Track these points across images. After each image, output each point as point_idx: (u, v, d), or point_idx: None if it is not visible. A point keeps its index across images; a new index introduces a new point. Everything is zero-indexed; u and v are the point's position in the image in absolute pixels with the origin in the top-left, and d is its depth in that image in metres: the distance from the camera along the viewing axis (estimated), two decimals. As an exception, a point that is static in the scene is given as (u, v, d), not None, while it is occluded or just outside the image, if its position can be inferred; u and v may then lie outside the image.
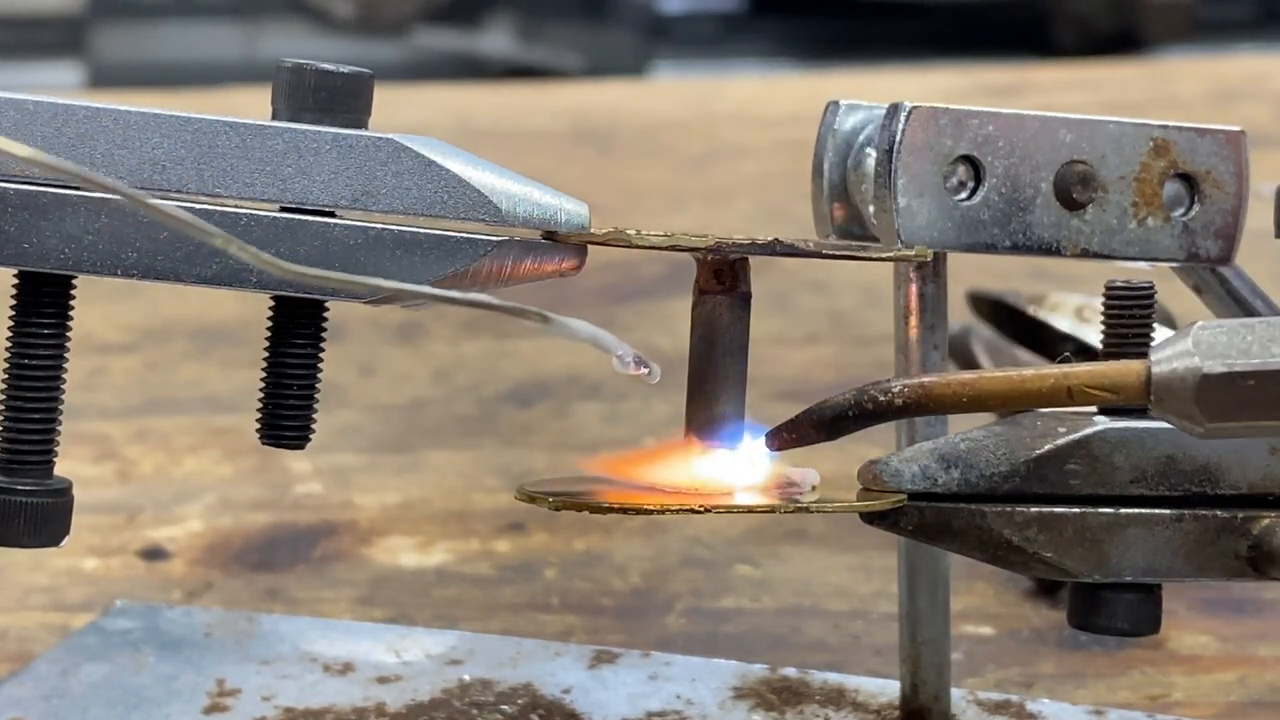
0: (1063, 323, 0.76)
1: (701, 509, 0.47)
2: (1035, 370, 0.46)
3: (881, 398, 0.47)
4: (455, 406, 0.94)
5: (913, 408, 0.47)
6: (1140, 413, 0.49)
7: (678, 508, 0.47)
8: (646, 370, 0.47)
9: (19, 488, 0.47)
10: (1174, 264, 0.54)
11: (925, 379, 0.47)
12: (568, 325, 0.45)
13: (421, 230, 0.47)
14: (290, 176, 0.47)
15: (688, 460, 0.49)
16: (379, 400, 0.95)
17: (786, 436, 0.49)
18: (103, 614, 0.66)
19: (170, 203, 0.45)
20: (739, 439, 0.50)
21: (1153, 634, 0.50)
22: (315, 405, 0.49)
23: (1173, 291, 0.57)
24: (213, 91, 1.55)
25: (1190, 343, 0.44)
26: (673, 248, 0.47)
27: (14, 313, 0.47)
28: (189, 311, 1.07)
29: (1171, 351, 0.44)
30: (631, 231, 0.47)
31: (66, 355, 0.48)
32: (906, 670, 0.57)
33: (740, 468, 0.49)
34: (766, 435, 0.49)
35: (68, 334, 0.48)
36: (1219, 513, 0.49)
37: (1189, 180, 0.53)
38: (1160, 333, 0.49)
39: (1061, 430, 0.48)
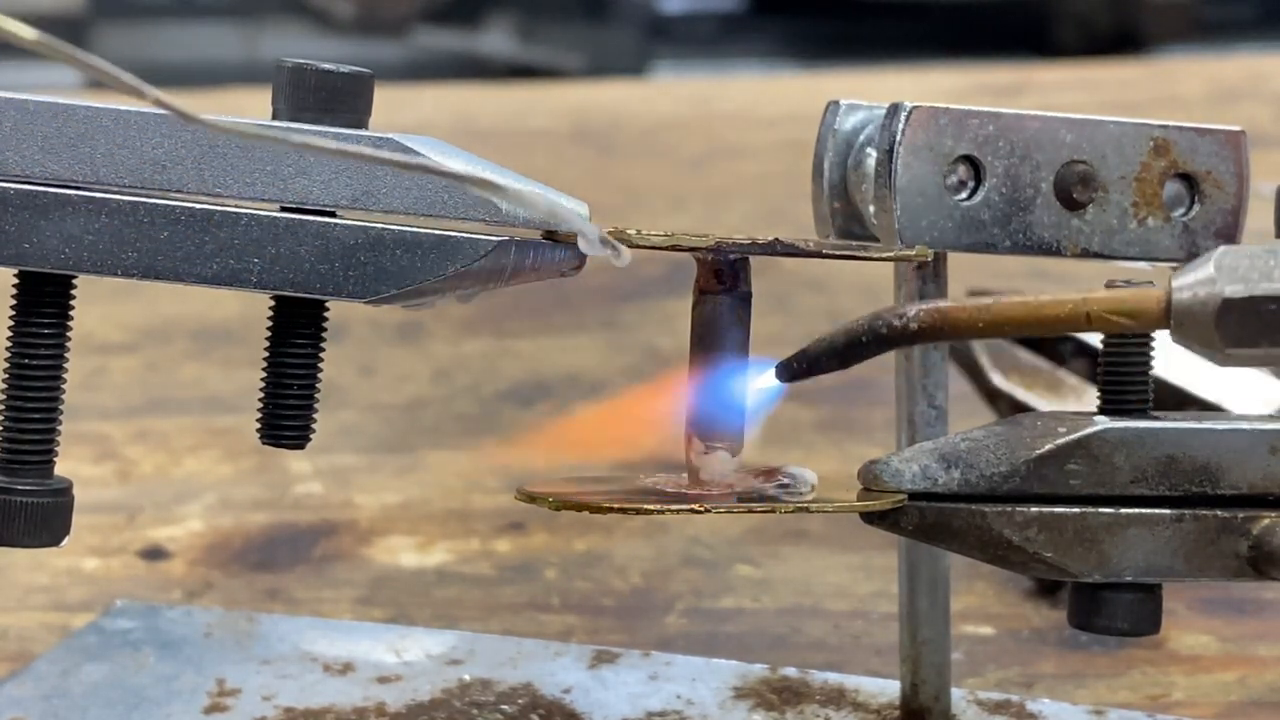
0: (1063, 323, 0.75)
1: (701, 509, 0.47)
2: (1053, 296, 0.45)
3: (896, 322, 0.46)
4: (455, 406, 0.94)
5: (929, 332, 0.46)
6: (1141, 413, 0.49)
7: (678, 508, 0.47)
8: (614, 252, 0.46)
9: (19, 488, 0.47)
10: (1174, 264, 0.54)
11: (941, 304, 0.46)
12: (522, 194, 0.44)
13: (422, 230, 0.47)
14: (290, 176, 0.47)
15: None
16: (379, 400, 0.95)
17: (797, 366, 0.48)
18: (103, 614, 0.66)
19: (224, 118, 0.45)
20: (739, 439, 0.50)
21: (1153, 634, 0.50)
22: (315, 405, 0.49)
23: (1173, 291, 0.57)
24: (213, 91, 1.55)
25: (1212, 267, 0.44)
26: (673, 248, 0.47)
27: (14, 313, 0.47)
28: (189, 311, 1.07)
29: (1193, 277, 0.44)
30: (631, 231, 0.47)
31: (66, 355, 0.48)
32: (906, 670, 0.57)
33: (740, 468, 0.49)
34: (777, 367, 0.48)
35: (68, 334, 0.48)
36: (1219, 513, 0.49)
37: (1189, 180, 0.53)
38: (1160, 332, 0.49)
39: (1061, 430, 0.48)
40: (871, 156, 0.53)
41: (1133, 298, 0.44)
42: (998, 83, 1.69)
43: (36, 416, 0.47)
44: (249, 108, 0.50)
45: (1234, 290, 0.43)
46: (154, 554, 0.77)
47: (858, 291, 1.10)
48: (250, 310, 1.02)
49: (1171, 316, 0.44)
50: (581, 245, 0.46)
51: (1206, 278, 0.43)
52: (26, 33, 0.40)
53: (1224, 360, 0.44)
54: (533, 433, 0.51)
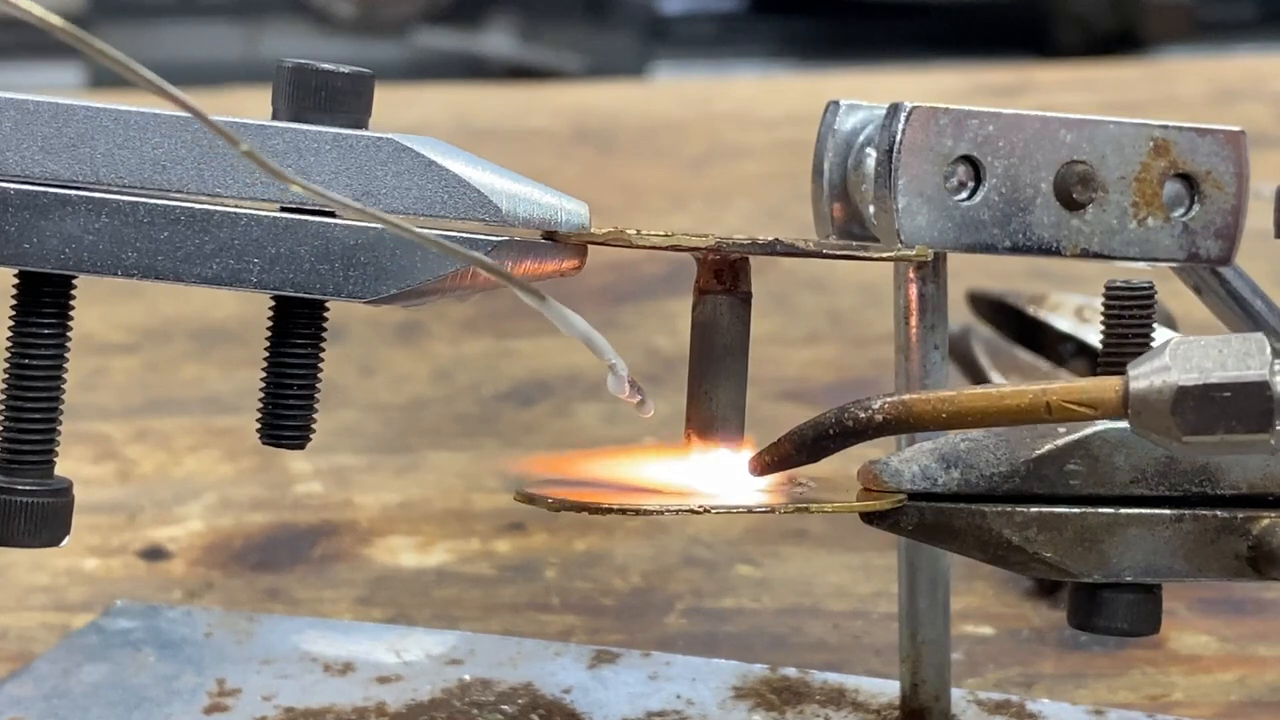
0: (1063, 323, 0.76)
1: (701, 509, 0.47)
2: (1014, 387, 0.46)
3: (862, 415, 0.47)
4: (455, 406, 0.94)
5: (893, 425, 0.47)
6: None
7: (677, 508, 0.47)
8: (640, 399, 0.47)
9: (19, 488, 0.47)
10: (1174, 264, 0.54)
11: (906, 396, 0.47)
12: (564, 315, 0.45)
13: (422, 230, 0.47)
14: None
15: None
16: (379, 400, 0.95)
17: (769, 460, 0.49)
18: (103, 614, 0.66)
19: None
20: (739, 439, 0.50)
21: (1153, 634, 0.50)
22: (315, 405, 0.49)
23: (1173, 291, 0.57)
24: (213, 91, 1.55)
25: (1166, 357, 0.45)
26: (673, 248, 0.47)
27: (14, 313, 0.47)
28: (189, 311, 1.07)
29: (1148, 367, 0.45)
30: (631, 231, 0.47)
31: (66, 355, 0.48)
32: (906, 670, 0.57)
33: (740, 468, 0.49)
34: (749, 461, 0.49)
35: (68, 334, 0.48)
36: (1219, 513, 0.49)
37: (1189, 180, 0.53)
38: (1160, 333, 0.49)
39: (1061, 430, 0.48)
40: (871, 156, 0.53)
41: (1092, 387, 0.45)
42: (998, 83, 1.69)
43: (36, 416, 0.47)
44: (249, 108, 0.50)
45: (1188, 379, 0.44)
46: (154, 554, 0.77)
47: (858, 291, 1.10)
48: (250, 310, 1.02)
49: (1129, 405, 0.45)
50: (610, 385, 0.47)
51: (1161, 366, 0.44)
52: (54, 20, 0.40)
53: (1182, 449, 0.45)
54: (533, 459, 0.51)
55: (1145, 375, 0.45)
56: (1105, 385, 0.45)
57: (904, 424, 0.47)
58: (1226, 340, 0.45)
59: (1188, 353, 0.45)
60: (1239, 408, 0.44)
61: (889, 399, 0.47)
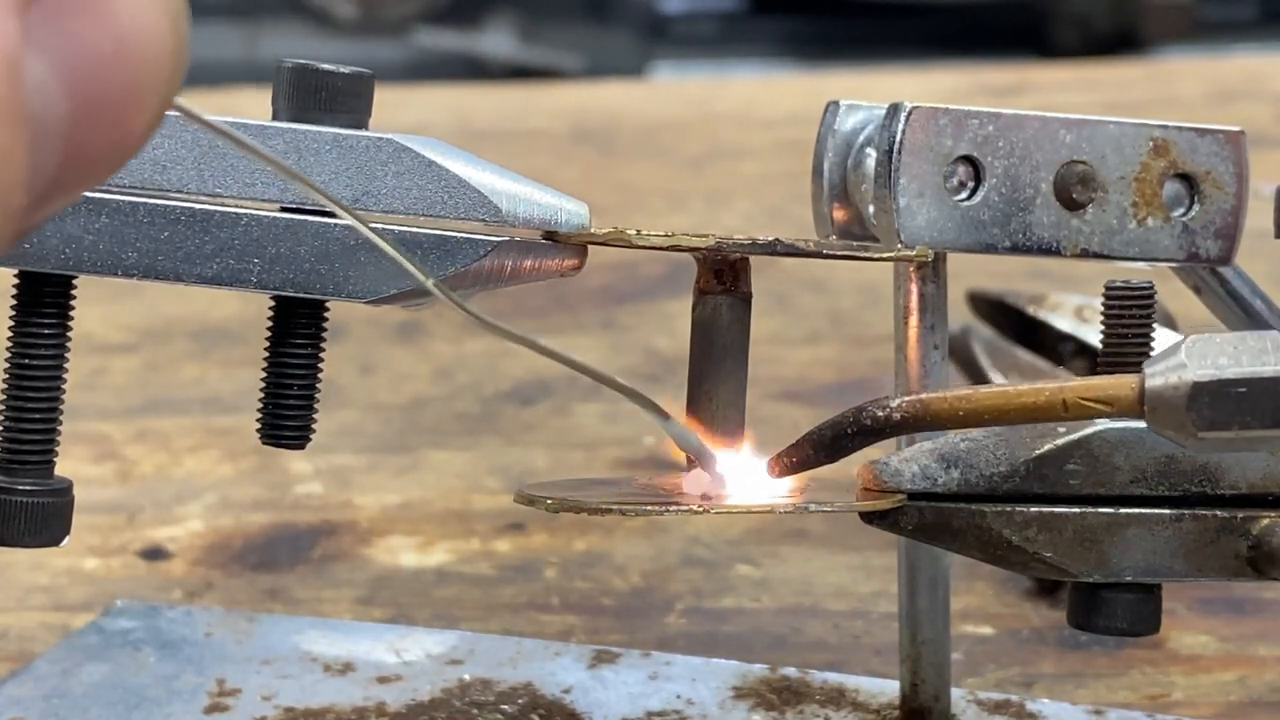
0: (1063, 323, 0.76)
1: (701, 509, 0.47)
2: (1030, 385, 0.46)
3: (880, 414, 0.47)
4: (456, 406, 0.94)
5: (911, 423, 0.47)
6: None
7: (677, 508, 0.47)
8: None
9: (19, 488, 0.47)
10: (1174, 264, 0.54)
11: (923, 395, 0.47)
12: (680, 432, 0.46)
13: (422, 230, 0.47)
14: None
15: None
16: (379, 400, 0.95)
17: (788, 461, 0.49)
18: (103, 614, 0.66)
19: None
20: (739, 439, 0.50)
21: (1153, 634, 0.50)
22: (315, 405, 0.49)
23: (1173, 291, 0.57)
24: (213, 91, 1.55)
25: (1183, 354, 0.45)
26: (673, 248, 0.47)
27: (14, 313, 0.47)
28: (189, 311, 1.07)
29: (1164, 364, 0.45)
30: (631, 231, 0.47)
31: (67, 355, 0.48)
32: (906, 670, 0.57)
33: (739, 468, 0.49)
34: (768, 462, 0.49)
35: (68, 334, 0.48)
36: (1219, 513, 0.49)
37: (1189, 180, 0.53)
38: (1160, 333, 0.49)
39: (1061, 430, 0.48)
40: (871, 157, 0.53)
41: (1108, 384, 0.45)
42: (998, 83, 1.69)
43: (36, 416, 0.47)
44: (249, 108, 0.50)
45: (1203, 374, 0.44)
46: (154, 554, 0.77)
47: (858, 291, 1.10)
48: (250, 310, 1.02)
49: (1145, 402, 0.45)
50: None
51: (1177, 364, 0.44)
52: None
53: (1198, 445, 0.45)
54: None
55: (1161, 372, 0.45)
56: (1121, 382, 0.45)
57: (922, 422, 0.47)
58: (1242, 337, 0.45)
59: (1203, 349, 0.45)
60: (1255, 404, 0.44)
61: (907, 398, 0.47)
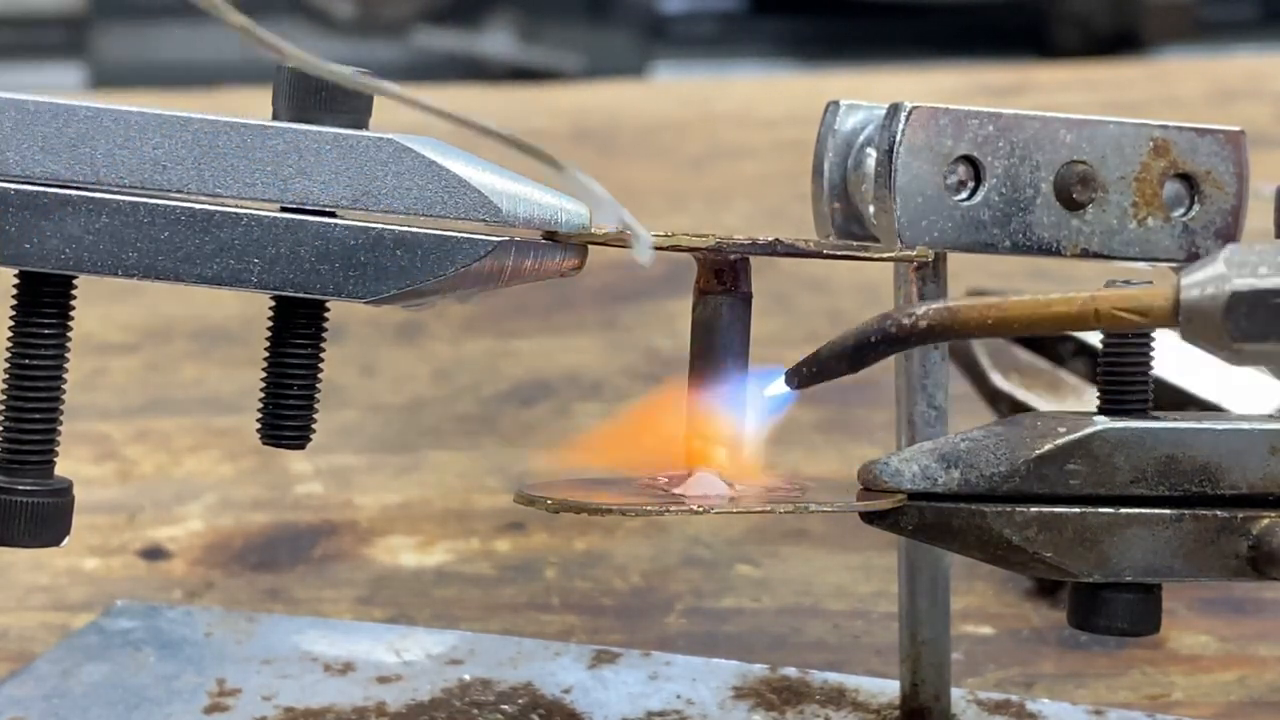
0: (1063, 323, 0.75)
1: (701, 509, 0.47)
2: (1063, 294, 0.45)
3: (906, 321, 0.46)
4: (456, 406, 0.94)
5: (938, 331, 0.46)
6: (1141, 413, 0.49)
7: (677, 508, 0.47)
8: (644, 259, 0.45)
9: (19, 488, 0.47)
10: (1174, 264, 0.54)
11: (950, 303, 0.46)
12: (586, 183, 0.43)
13: (422, 230, 0.47)
14: (291, 176, 0.47)
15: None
16: (379, 400, 0.95)
17: (808, 372, 0.48)
18: (103, 614, 0.66)
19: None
20: (739, 438, 0.50)
21: (1153, 634, 0.50)
22: (315, 405, 0.49)
23: (1173, 291, 0.57)
24: (213, 91, 1.55)
25: (1221, 263, 0.44)
26: (673, 248, 0.47)
27: (14, 313, 0.47)
28: (189, 311, 1.07)
29: (1202, 274, 0.44)
30: (631, 231, 0.47)
31: (67, 355, 0.48)
32: (906, 670, 0.57)
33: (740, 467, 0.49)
34: (787, 373, 0.48)
35: (68, 334, 0.48)
36: (1219, 513, 0.49)
37: (1189, 180, 0.53)
38: (1160, 333, 0.49)
39: (1062, 430, 0.48)
40: (871, 156, 0.53)
41: (1143, 294, 0.44)
42: (998, 83, 1.69)
43: (36, 416, 0.47)
44: (249, 108, 0.50)
45: (1242, 284, 0.43)
46: (154, 554, 0.77)
47: (858, 291, 1.10)
48: (250, 310, 1.02)
49: (1180, 312, 0.44)
50: (638, 255, 0.45)
51: (1216, 274, 0.43)
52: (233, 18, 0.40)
53: (1233, 357, 0.44)
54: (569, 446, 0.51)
55: (1198, 283, 0.44)
56: (1156, 292, 0.44)
57: (949, 330, 0.46)
58: None
59: (1243, 258, 0.44)
60: None
61: (934, 305, 0.46)
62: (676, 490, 0.49)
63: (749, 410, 0.50)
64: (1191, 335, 0.44)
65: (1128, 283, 0.48)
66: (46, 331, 0.47)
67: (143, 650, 0.63)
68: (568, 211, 0.48)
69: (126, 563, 0.76)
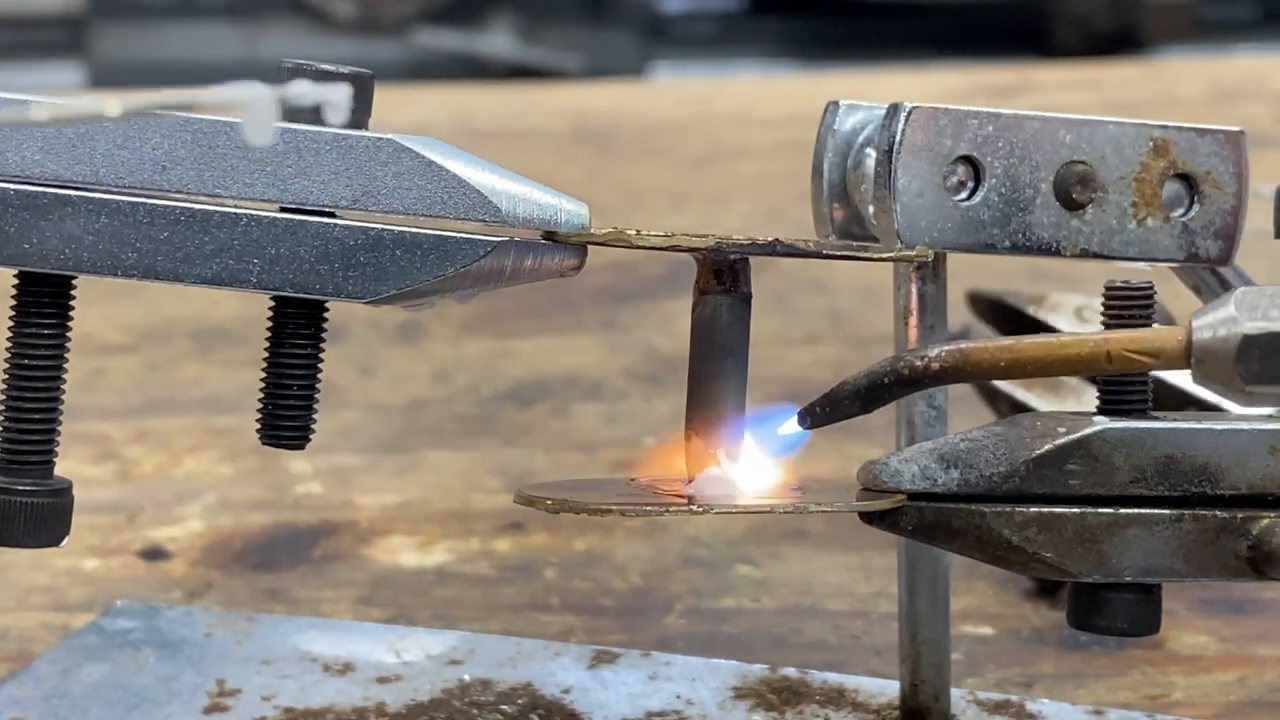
0: (1063, 323, 0.76)
1: (701, 509, 0.47)
2: (1075, 336, 0.46)
3: (919, 363, 0.47)
4: (455, 406, 0.94)
5: (951, 374, 0.46)
6: (1140, 413, 0.49)
7: (677, 508, 0.47)
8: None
9: (19, 488, 0.47)
10: (1174, 264, 0.54)
11: (963, 345, 0.47)
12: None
13: (421, 230, 0.47)
14: (290, 176, 0.47)
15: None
16: (379, 400, 0.95)
17: (820, 412, 0.48)
18: (103, 614, 0.66)
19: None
20: (739, 439, 0.50)
21: (1153, 634, 0.50)
22: (315, 405, 0.49)
23: (1173, 292, 0.57)
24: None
25: (1232, 306, 0.44)
26: (673, 248, 0.47)
27: (14, 313, 0.47)
28: (189, 311, 1.07)
29: (1213, 316, 0.44)
30: (631, 231, 0.47)
31: (66, 355, 0.48)
32: (906, 670, 0.57)
33: (740, 467, 0.49)
34: (799, 413, 0.49)
35: (68, 334, 0.48)
36: (1219, 513, 0.49)
37: (1189, 180, 0.53)
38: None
39: (1061, 430, 0.48)
40: (871, 157, 0.53)
41: (1155, 336, 0.45)
42: (998, 83, 1.69)
43: (36, 417, 0.47)
44: (249, 108, 0.50)
45: (1254, 327, 0.44)
46: (154, 554, 0.77)
47: (858, 291, 1.10)
48: (250, 310, 1.02)
49: (1192, 355, 0.44)
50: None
51: (1227, 316, 0.44)
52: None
53: (1245, 398, 0.44)
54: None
55: (1210, 325, 0.44)
56: (1168, 334, 0.45)
57: (961, 373, 0.46)
58: None
59: (1254, 301, 0.44)
60: None
61: (946, 347, 0.46)
62: (686, 490, 0.49)
63: (754, 428, 0.50)
64: (1203, 377, 0.44)
65: (1127, 282, 0.48)
66: (46, 332, 0.47)
67: (142, 650, 0.63)
68: (568, 211, 0.48)
69: (126, 563, 0.76)
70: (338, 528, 0.79)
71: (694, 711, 0.59)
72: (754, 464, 0.50)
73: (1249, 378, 0.44)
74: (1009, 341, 0.46)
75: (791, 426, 0.49)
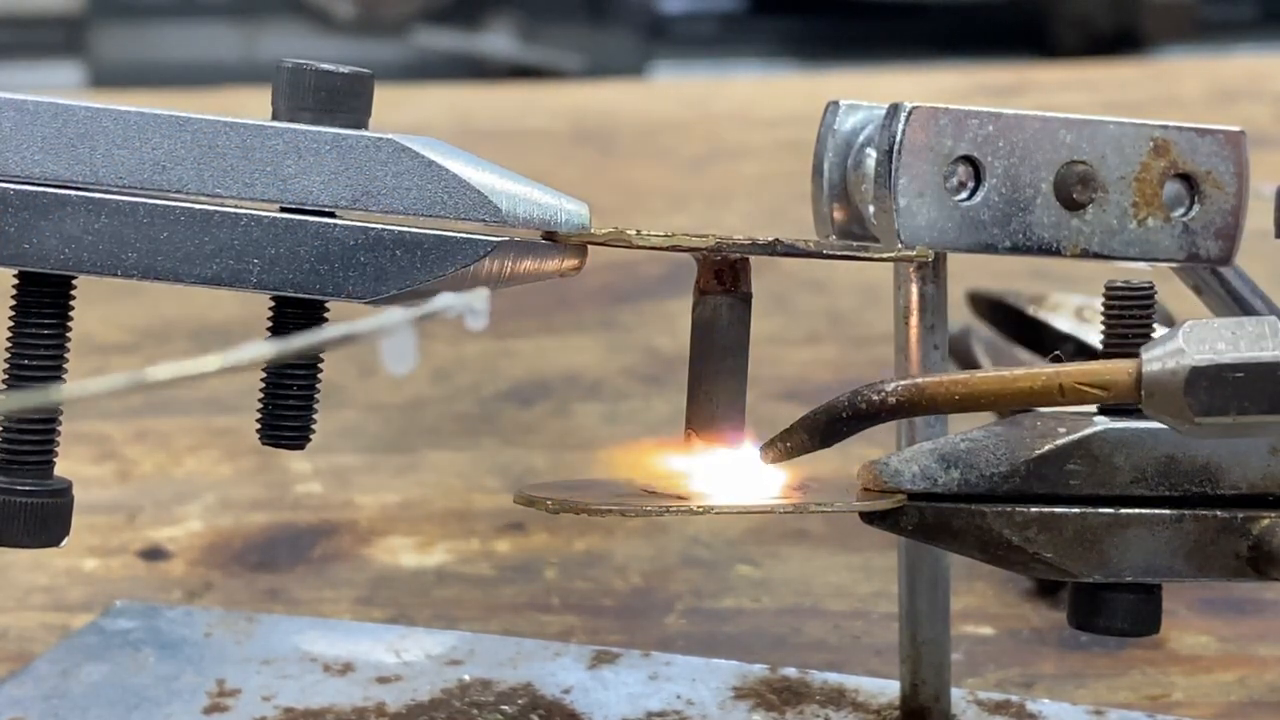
0: (1063, 323, 0.76)
1: (701, 509, 0.47)
2: (1027, 370, 0.46)
3: (875, 398, 0.47)
4: (455, 406, 0.94)
5: (907, 408, 0.47)
6: (1140, 413, 0.49)
7: (677, 508, 0.47)
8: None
9: (19, 488, 0.47)
10: (1174, 264, 0.54)
11: (919, 379, 0.47)
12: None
13: (422, 230, 0.47)
14: (290, 176, 0.47)
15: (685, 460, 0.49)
16: (379, 400, 0.95)
17: (781, 447, 0.48)
18: (103, 614, 0.66)
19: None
20: (739, 439, 0.50)
21: (1153, 634, 0.50)
22: (315, 405, 0.49)
23: (1173, 291, 0.57)
24: (213, 91, 1.55)
25: (1180, 339, 0.45)
26: (673, 248, 0.47)
27: (14, 313, 0.47)
28: (189, 311, 1.07)
29: (1162, 350, 0.45)
30: (631, 231, 0.47)
31: (66, 355, 0.48)
32: (906, 670, 0.57)
33: (740, 467, 0.49)
34: (761, 449, 0.49)
35: (68, 334, 0.48)
36: (1219, 513, 0.49)
37: (1189, 180, 0.53)
38: (1160, 333, 0.49)
39: (1061, 430, 0.48)
40: (871, 157, 0.53)
41: (1106, 369, 0.45)
42: (998, 83, 1.69)
43: (36, 417, 0.47)
44: (249, 108, 0.50)
45: (1202, 359, 0.44)
46: (154, 554, 0.77)
47: (858, 291, 1.10)
48: (250, 310, 1.02)
49: (1142, 387, 0.45)
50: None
51: (1175, 349, 0.44)
52: None
53: (1194, 431, 0.45)
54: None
55: (1159, 357, 0.45)
56: (1118, 368, 0.45)
57: (917, 406, 0.47)
58: (1240, 323, 0.45)
59: (1201, 334, 0.45)
60: (1253, 389, 0.44)
61: (902, 381, 0.47)
62: (685, 490, 0.49)
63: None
64: (1154, 409, 0.45)
65: (1127, 282, 0.48)
66: (46, 332, 0.47)
67: (142, 650, 0.63)
68: (568, 211, 0.48)
69: (126, 563, 0.76)
70: (338, 528, 0.79)
71: (694, 711, 0.59)
72: (754, 464, 0.50)
73: (1198, 410, 0.44)
74: (964, 376, 0.47)
75: (754, 465, 0.49)
